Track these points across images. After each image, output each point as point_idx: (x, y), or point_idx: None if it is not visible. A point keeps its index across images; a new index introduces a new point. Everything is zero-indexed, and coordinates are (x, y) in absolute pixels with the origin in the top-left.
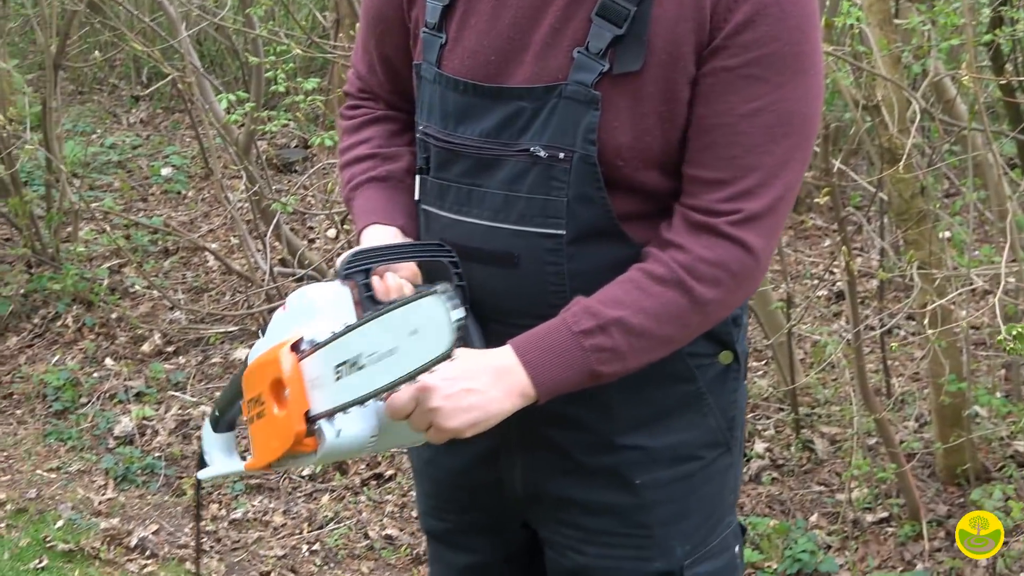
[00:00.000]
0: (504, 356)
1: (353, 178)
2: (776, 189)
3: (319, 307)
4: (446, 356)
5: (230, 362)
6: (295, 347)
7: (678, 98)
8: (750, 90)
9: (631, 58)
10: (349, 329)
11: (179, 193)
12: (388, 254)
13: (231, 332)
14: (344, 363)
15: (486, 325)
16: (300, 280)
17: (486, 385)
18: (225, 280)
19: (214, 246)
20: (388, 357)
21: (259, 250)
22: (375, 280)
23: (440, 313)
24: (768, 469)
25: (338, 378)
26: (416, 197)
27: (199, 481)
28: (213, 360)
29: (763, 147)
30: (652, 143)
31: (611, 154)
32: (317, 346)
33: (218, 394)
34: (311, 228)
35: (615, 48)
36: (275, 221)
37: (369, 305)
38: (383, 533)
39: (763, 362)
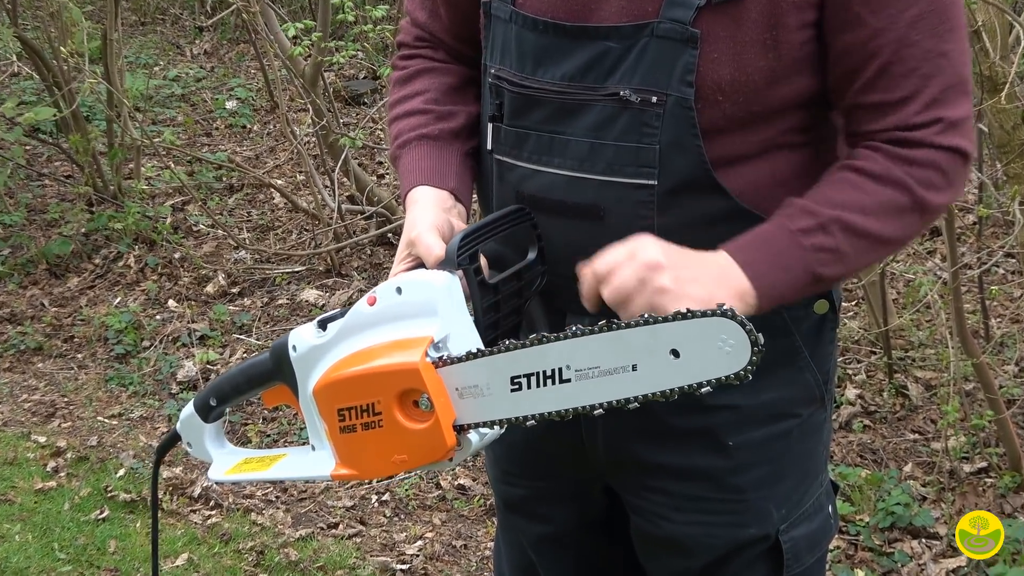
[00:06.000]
0: (719, 256)
1: (401, 134)
2: (962, 86)
3: (439, 302)
4: (744, 377)
5: (297, 303)
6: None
7: (783, 23)
8: None
9: None
10: (544, 340)
11: (244, 127)
12: (490, 231)
13: (298, 272)
14: (531, 375)
15: (566, 285)
16: (369, 218)
17: (711, 281)
18: (291, 218)
19: (280, 182)
20: (623, 373)
21: (326, 187)
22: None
23: (738, 332)
24: (859, 416)
25: (516, 389)
26: (488, 146)
27: (155, 474)
28: (279, 301)
29: (937, 49)
30: (755, 75)
31: (710, 91)
32: (474, 354)
33: (212, 381)
34: (380, 163)
35: None
36: (343, 156)
37: (480, 293)
38: (456, 483)
39: (854, 303)
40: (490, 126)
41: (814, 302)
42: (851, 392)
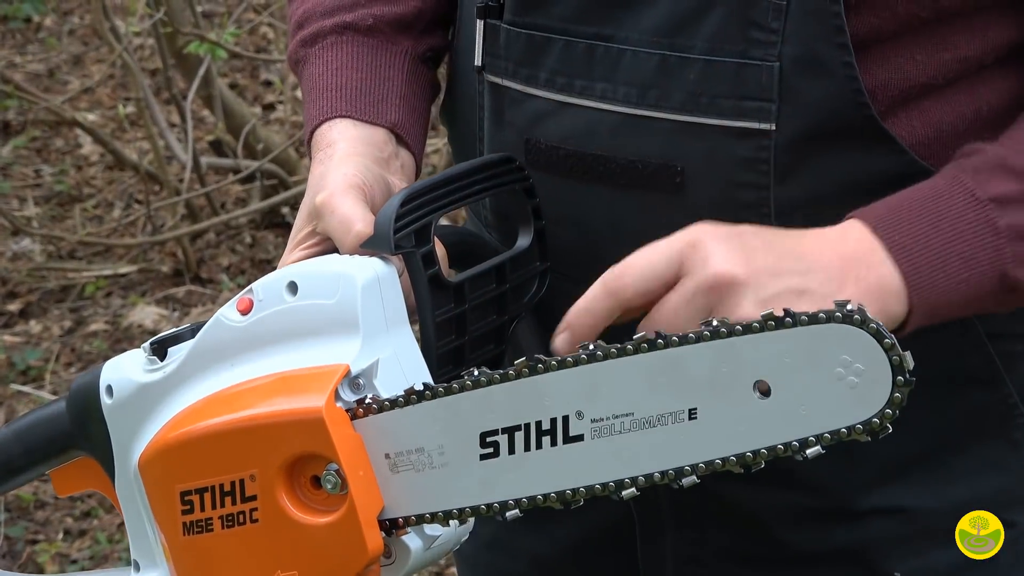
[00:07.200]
0: (852, 235)
1: (308, 21)
2: None
3: (361, 309)
4: (881, 428)
5: (123, 330)
6: (338, 393)
7: None
8: None
9: None
10: (537, 367)
11: (28, 21)
12: (452, 195)
13: (125, 276)
14: (515, 429)
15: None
16: (250, 180)
17: (825, 284)
18: (113, 180)
19: (93, 119)
20: (674, 424)
21: (173, 126)
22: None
23: (870, 349)
24: None
25: (489, 455)
26: (477, 61)
27: None
28: (92, 327)
29: None
30: None
31: None
32: (419, 395)
33: None
34: (267, 84)
35: None
36: (202, 73)
37: (432, 298)
38: None
39: None
40: (480, 25)
41: None
42: None
